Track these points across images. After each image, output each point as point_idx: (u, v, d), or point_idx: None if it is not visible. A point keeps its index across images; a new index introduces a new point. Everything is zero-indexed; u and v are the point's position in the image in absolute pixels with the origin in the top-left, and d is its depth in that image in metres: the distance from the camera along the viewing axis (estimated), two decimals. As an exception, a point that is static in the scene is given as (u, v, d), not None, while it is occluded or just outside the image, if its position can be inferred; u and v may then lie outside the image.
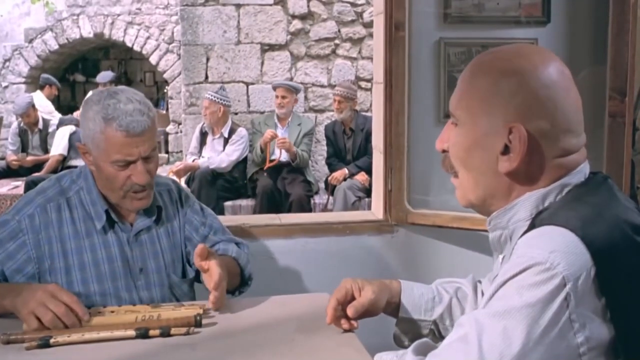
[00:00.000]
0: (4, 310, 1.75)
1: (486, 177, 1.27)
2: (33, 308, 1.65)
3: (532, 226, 1.20)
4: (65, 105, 11.72)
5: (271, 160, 6.20)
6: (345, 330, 1.64)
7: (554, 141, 1.22)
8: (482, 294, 1.66)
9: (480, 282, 1.69)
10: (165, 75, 11.47)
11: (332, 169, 6.44)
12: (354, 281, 1.66)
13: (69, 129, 7.22)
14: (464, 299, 1.66)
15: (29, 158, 7.61)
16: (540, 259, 1.08)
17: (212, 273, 1.78)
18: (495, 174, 1.25)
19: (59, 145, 7.20)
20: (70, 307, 1.67)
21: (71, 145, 7.10)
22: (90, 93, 1.99)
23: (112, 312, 1.76)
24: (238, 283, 2.10)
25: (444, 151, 1.36)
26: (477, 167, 1.28)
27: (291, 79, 7.25)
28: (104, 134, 1.87)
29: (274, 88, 6.54)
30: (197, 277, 2.09)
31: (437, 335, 1.64)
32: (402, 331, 1.65)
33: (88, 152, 1.95)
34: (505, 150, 1.23)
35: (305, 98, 7.38)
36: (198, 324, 1.69)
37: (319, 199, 6.33)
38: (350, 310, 1.62)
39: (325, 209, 6.23)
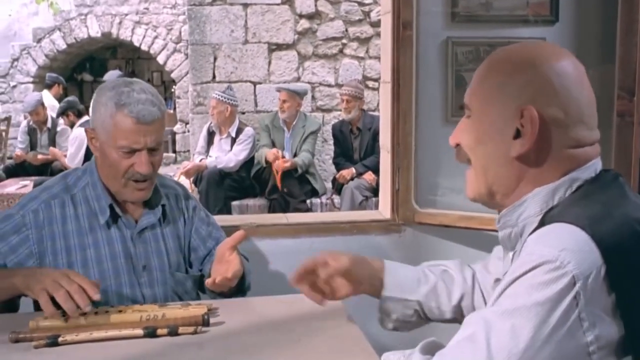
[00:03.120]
0: (13, 289, 1.75)
1: (497, 164, 1.27)
2: (46, 285, 1.65)
3: (541, 223, 1.20)
4: (73, 105, 11.75)
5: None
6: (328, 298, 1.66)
7: (566, 130, 1.22)
8: (474, 277, 1.67)
9: (469, 266, 1.71)
10: (172, 75, 11.50)
11: (339, 168, 6.43)
12: (330, 252, 1.67)
13: (85, 138, 7.11)
14: (450, 281, 1.66)
15: (40, 157, 7.62)
16: (550, 257, 1.08)
17: (233, 265, 1.83)
18: (506, 160, 1.26)
19: (75, 157, 7.04)
20: (82, 287, 1.66)
21: (87, 158, 7.01)
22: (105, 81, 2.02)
23: (120, 311, 1.76)
24: (235, 289, 2.09)
25: (457, 145, 1.36)
26: (489, 154, 1.28)
27: (298, 79, 7.25)
28: (113, 119, 1.90)
29: (278, 91, 6.51)
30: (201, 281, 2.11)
31: (422, 317, 1.64)
32: (386, 311, 1.64)
33: (95, 137, 1.98)
34: (517, 135, 1.23)
35: (313, 97, 7.38)
36: (206, 323, 1.69)
37: (325, 199, 6.33)
38: (321, 271, 1.63)
39: (330, 200, 6.21)
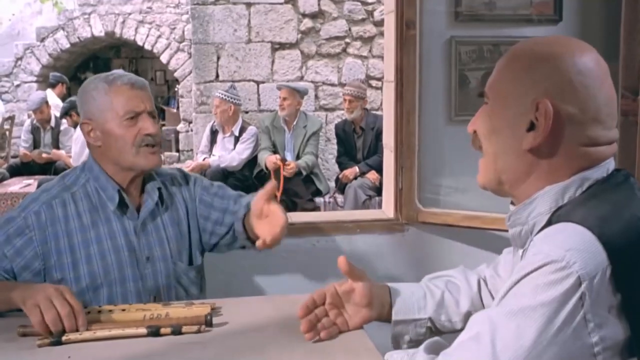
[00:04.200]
0: (11, 304, 1.74)
1: (508, 154, 1.27)
2: (39, 301, 1.64)
3: (548, 222, 1.20)
4: (77, 104, 11.74)
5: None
6: (318, 340, 1.60)
7: (581, 127, 1.21)
8: (485, 282, 1.65)
9: (473, 272, 1.69)
10: (176, 74, 11.49)
11: (342, 167, 6.43)
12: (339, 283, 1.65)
13: None
14: (456, 291, 1.65)
15: (45, 155, 7.62)
16: (556, 257, 1.07)
17: (277, 218, 1.79)
18: (518, 151, 1.25)
19: (80, 156, 6.98)
20: (74, 312, 1.65)
21: None
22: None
23: (124, 310, 1.77)
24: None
25: (474, 132, 1.35)
26: (501, 144, 1.28)
27: (301, 78, 7.25)
28: (109, 94, 1.98)
29: (279, 88, 6.50)
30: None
31: (435, 332, 1.62)
32: (399, 335, 1.62)
33: (92, 126, 2.01)
34: (531, 128, 1.23)
35: (316, 97, 7.38)
36: (208, 324, 1.69)
37: (328, 198, 6.33)
38: (341, 260, 1.60)
39: (333, 199, 6.21)
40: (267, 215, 1.83)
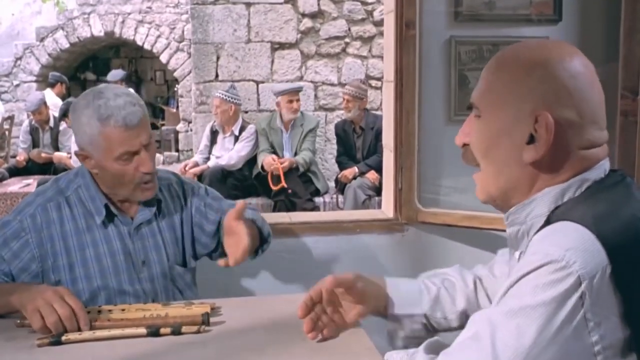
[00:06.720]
0: (11, 307, 1.74)
1: (510, 168, 1.25)
2: (39, 305, 1.64)
3: (547, 222, 1.19)
4: (76, 104, 11.71)
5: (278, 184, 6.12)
6: (321, 340, 1.59)
7: (580, 132, 1.20)
8: (481, 281, 1.65)
9: (469, 271, 1.68)
10: (175, 74, 11.49)
11: (342, 167, 6.43)
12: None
13: None
14: (452, 288, 1.64)
15: (44, 155, 7.62)
16: (556, 257, 1.07)
17: (241, 243, 1.78)
18: (519, 164, 1.23)
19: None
20: (75, 312, 1.65)
21: None
22: (75, 100, 1.98)
23: (123, 310, 1.77)
24: (258, 243, 2.11)
25: (464, 145, 1.33)
26: (501, 158, 1.26)
27: (301, 78, 7.25)
28: (102, 135, 1.89)
29: (278, 94, 6.37)
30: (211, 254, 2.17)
31: (430, 329, 1.61)
32: (395, 329, 1.61)
33: (88, 157, 1.96)
34: (531, 140, 1.21)
35: (316, 97, 7.38)
36: (205, 323, 1.68)
37: (328, 198, 6.32)
38: (329, 280, 1.57)
39: (334, 198, 6.20)
40: (233, 233, 1.84)
